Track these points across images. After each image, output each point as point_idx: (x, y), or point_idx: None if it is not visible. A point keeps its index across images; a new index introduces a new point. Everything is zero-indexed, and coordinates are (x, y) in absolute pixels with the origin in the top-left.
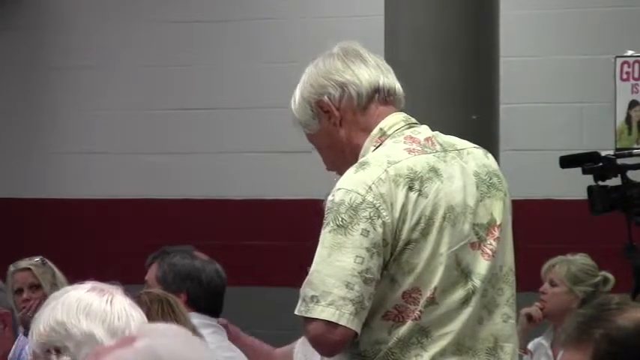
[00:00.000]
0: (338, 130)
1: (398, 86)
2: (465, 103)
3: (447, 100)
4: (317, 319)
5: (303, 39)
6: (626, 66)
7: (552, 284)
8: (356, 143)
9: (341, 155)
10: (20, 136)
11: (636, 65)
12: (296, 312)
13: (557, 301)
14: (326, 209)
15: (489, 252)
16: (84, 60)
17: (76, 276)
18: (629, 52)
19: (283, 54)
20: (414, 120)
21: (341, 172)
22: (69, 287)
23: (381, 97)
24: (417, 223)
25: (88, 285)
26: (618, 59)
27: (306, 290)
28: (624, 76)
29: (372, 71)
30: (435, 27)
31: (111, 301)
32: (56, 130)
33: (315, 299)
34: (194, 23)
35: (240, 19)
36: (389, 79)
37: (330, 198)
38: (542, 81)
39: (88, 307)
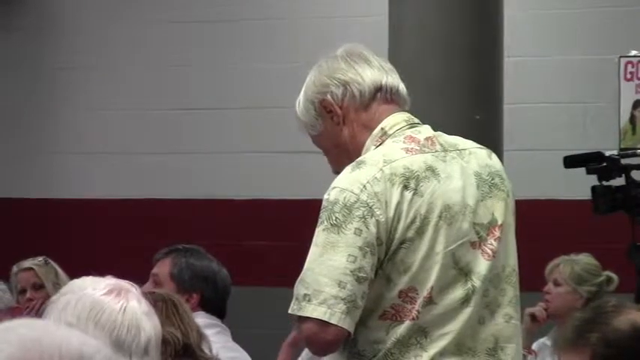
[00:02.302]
0: (341, 129)
1: (401, 86)
2: (469, 103)
3: (451, 100)
4: (309, 318)
5: (304, 39)
6: (630, 66)
7: (556, 284)
8: (359, 140)
9: (346, 154)
10: (21, 136)
11: None
12: (289, 311)
13: (562, 301)
14: (321, 207)
15: (490, 252)
16: (85, 60)
17: (77, 276)
18: (633, 52)
19: (284, 54)
20: (416, 120)
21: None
22: (88, 281)
23: (383, 95)
24: (412, 221)
25: (107, 284)
26: (622, 59)
27: (298, 288)
28: (628, 76)
29: (375, 71)
30: (439, 27)
31: (124, 310)
32: (57, 130)
33: (307, 298)
34: (194, 23)
35: (240, 19)
36: (392, 79)
37: (325, 197)
38: (545, 81)
39: (99, 314)
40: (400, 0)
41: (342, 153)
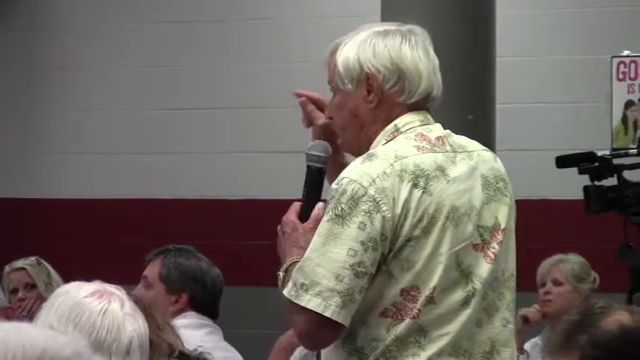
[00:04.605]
0: (368, 108)
1: (440, 94)
2: (461, 103)
3: (443, 99)
4: (305, 309)
5: (303, 39)
6: (622, 66)
7: (556, 283)
8: (374, 130)
9: (354, 131)
10: (18, 136)
11: (632, 65)
12: (285, 293)
13: (564, 301)
14: (329, 197)
15: (492, 255)
16: (82, 60)
17: (74, 276)
18: (626, 52)
19: (283, 54)
20: (431, 120)
21: (344, 143)
22: (75, 285)
23: (423, 103)
24: (420, 220)
25: (91, 287)
26: (614, 59)
27: (297, 276)
28: (620, 76)
29: (432, 77)
30: (431, 27)
31: (104, 312)
32: (54, 130)
33: (304, 287)
34: (193, 23)
35: (240, 19)
36: (438, 91)
37: (334, 186)
38: (538, 81)
39: (79, 316)
40: (392, 0)
41: (354, 127)
